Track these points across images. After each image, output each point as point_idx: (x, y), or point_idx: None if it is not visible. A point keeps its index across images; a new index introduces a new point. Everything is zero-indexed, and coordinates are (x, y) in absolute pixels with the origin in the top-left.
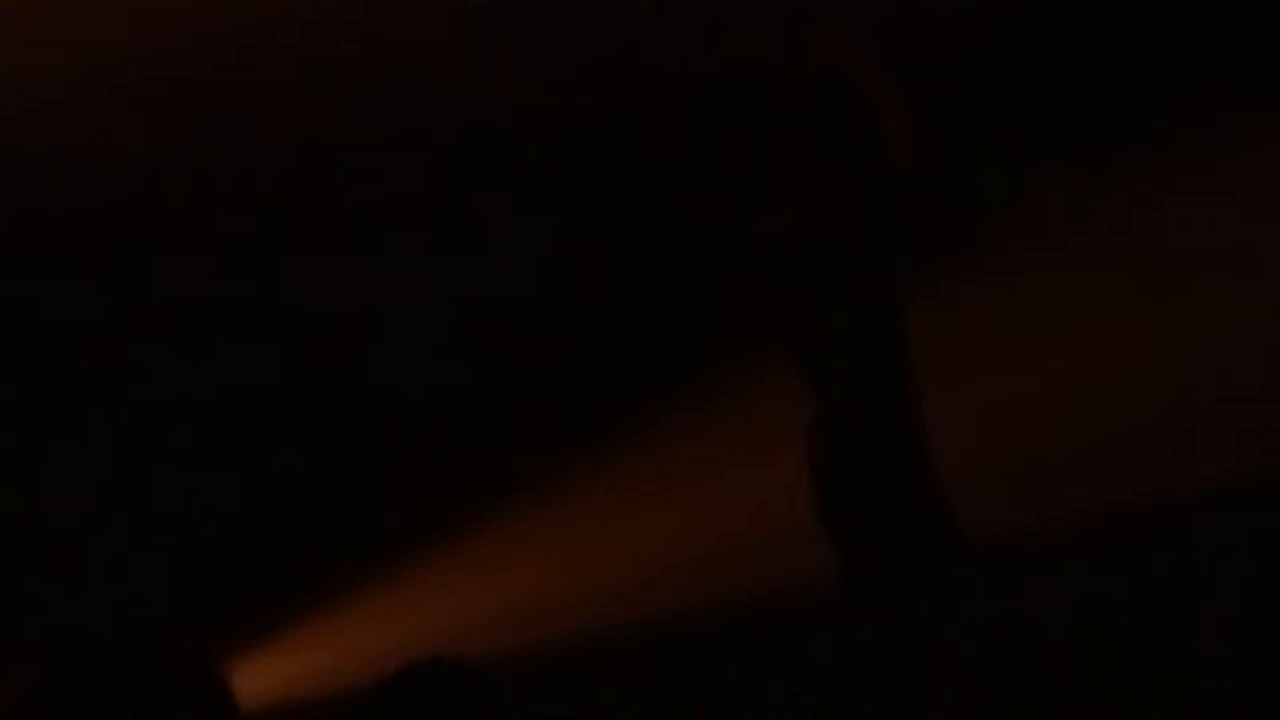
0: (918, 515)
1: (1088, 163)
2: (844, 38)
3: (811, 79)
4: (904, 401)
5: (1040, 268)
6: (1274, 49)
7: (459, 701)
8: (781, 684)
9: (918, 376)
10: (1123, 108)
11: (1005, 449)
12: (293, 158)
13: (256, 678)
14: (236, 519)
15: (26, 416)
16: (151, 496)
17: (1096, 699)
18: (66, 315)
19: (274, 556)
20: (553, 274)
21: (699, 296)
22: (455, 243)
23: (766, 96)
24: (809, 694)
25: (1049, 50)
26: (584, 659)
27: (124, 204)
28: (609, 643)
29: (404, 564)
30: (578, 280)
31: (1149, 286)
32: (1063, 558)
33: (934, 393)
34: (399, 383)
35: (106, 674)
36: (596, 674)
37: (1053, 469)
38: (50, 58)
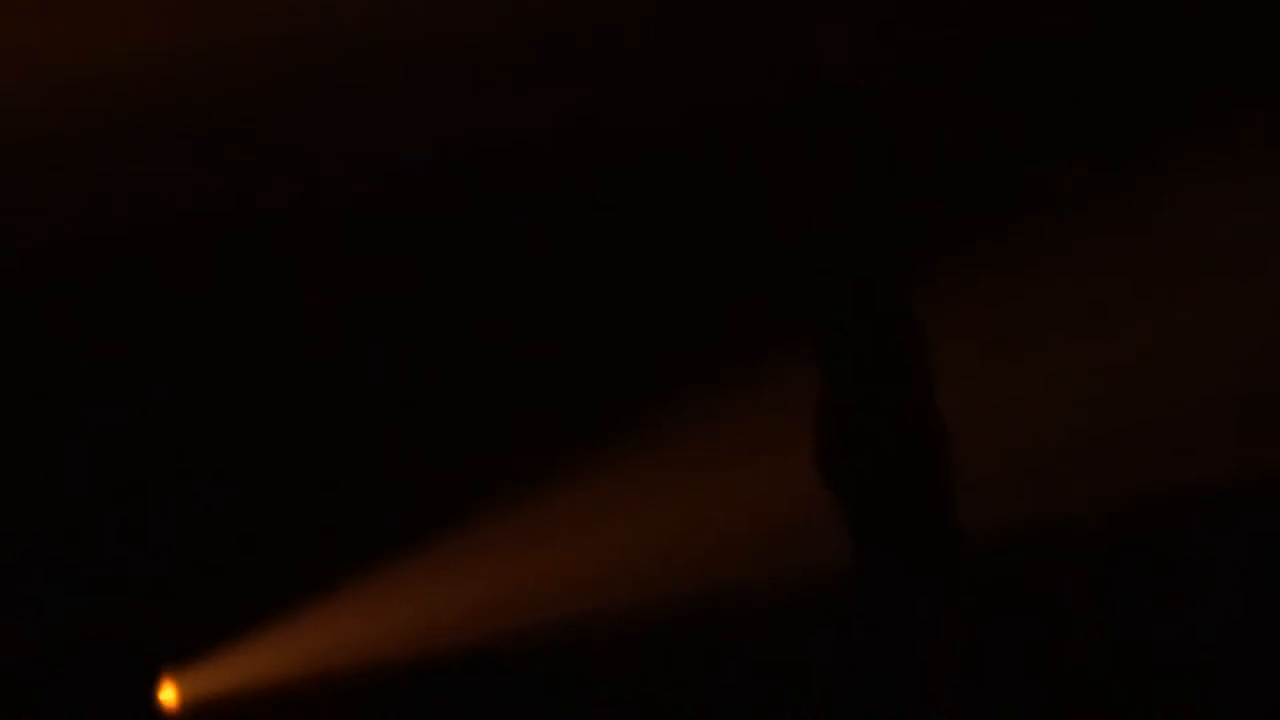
0: (919, 515)
1: (1089, 163)
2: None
3: (815, 86)
4: (909, 402)
5: (1041, 268)
6: (1274, 49)
7: (485, 697)
8: (779, 678)
9: (930, 378)
10: (1124, 108)
11: (1006, 447)
12: (294, 165)
13: (260, 665)
14: (238, 515)
15: (27, 417)
16: (153, 494)
17: (1097, 699)
18: (69, 317)
19: (279, 548)
20: (556, 275)
21: (702, 297)
22: (459, 244)
23: (769, 102)
24: (807, 688)
25: (1049, 51)
26: (583, 648)
27: (125, 209)
28: (609, 632)
29: (403, 557)
30: (582, 281)
31: (1150, 286)
32: (1063, 556)
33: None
34: (397, 381)
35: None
36: (595, 664)
37: (1054, 468)
38: (57, 81)
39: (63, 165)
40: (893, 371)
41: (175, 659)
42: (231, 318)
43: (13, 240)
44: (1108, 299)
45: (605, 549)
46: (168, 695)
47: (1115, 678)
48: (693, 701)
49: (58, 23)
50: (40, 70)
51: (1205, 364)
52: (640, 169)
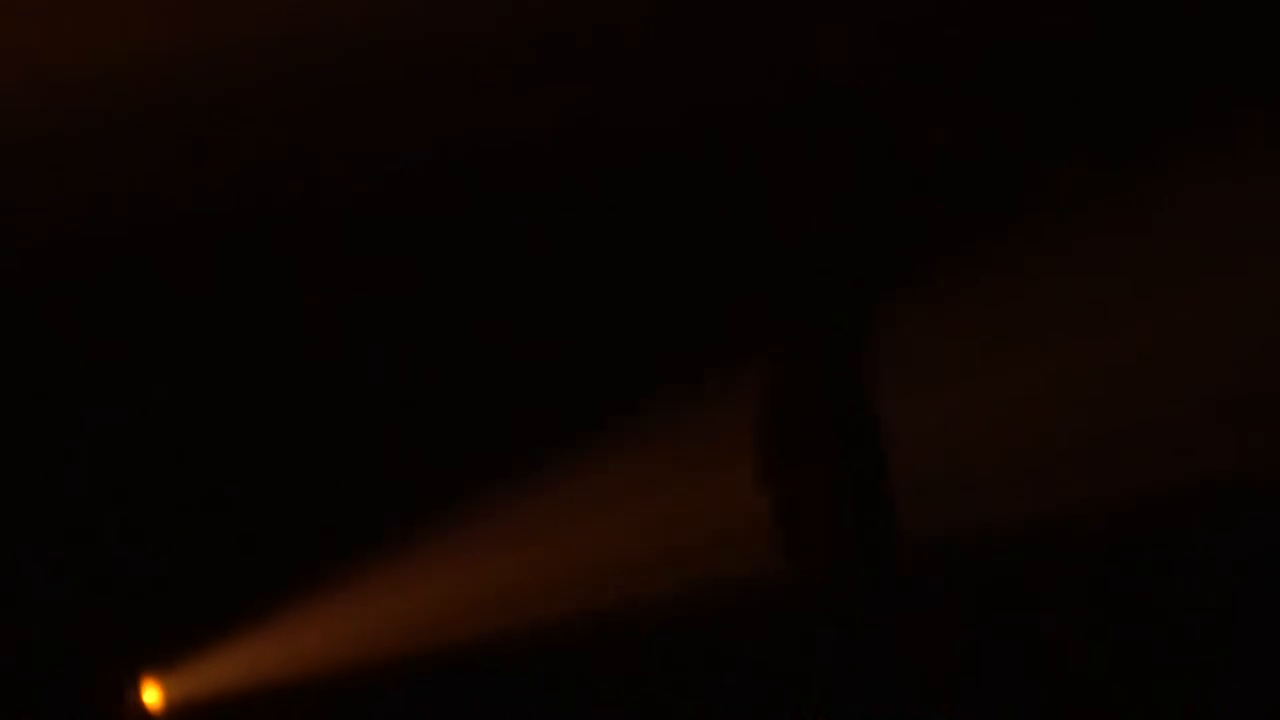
0: (860, 515)
1: (1089, 163)
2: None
3: (815, 86)
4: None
5: (1041, 267)
6: (1274, 49)
7: (470, 695)
8: (772, 676)
9: (883, 388)
10: (1124, 108)
11: (1006, 447)
12: (294, 165)
13: (248, 665)
14: (236, 515)
15: (27, 417)
16: (152, 494)
17: (1097, 699)
18: (69, 317)
19: (272, 548)
20: (556, 275)
21: (702, 297)
22: (459, 244)
23: (769, 102)
24: (800, 685)
25: (1049, 51)
26: (577, 646)
27: (125, 209)
28: (604, 630)
29: (393, 556)
30: (582, 281)
31: (1150, 286)
32: (1063, 556)
33: (935, 390)
34: (397, 381)
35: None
36: (589, 662)
37: (1054, 467)
38: (57, 81)
39: (63, 165)
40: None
41: (161, 659)
42: (231, 318)
43: (13, 240)
44: (1108, 299)
45: (600, 547)
46: (151, 696)
47: (1115, 677)
48: (688, 700)
49: (58, 23)
50: (40, 70)
51: (1205, 364)
52: (640, 169)
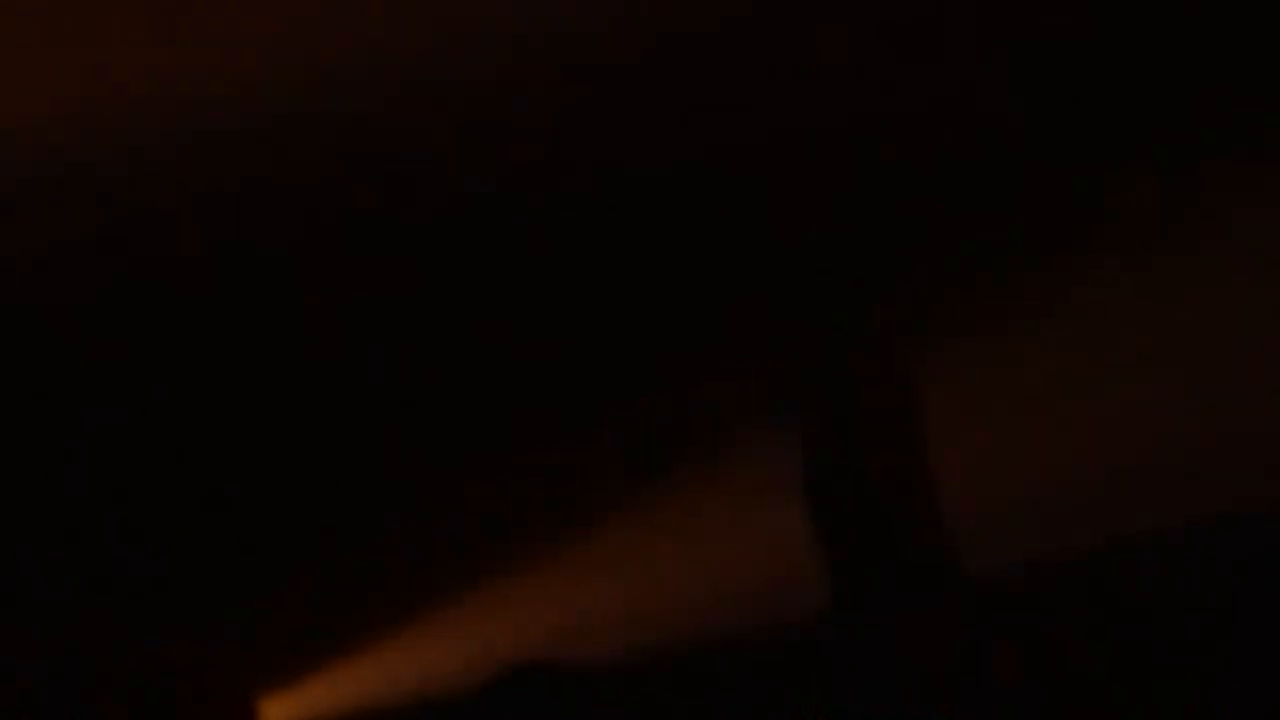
0: (906, 544)
1: (1095, 165)
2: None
3: (818, 86)
4: (900, 426)
5: (1042, 269)
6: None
7: (558, 703)
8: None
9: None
10: (1125, 108)
11: (1005, 445)
12: (296, 165)
13: (326, 691)
14: (237, 519)
15: (33, 418)
16: (151, 496)
17: (1097, 699)
18: (69, 317)
19: (268, 551)
20: (556, 274)
21: (704, 297)
22: (459, 243)
23: (768, 102)
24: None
25: (1049, 50)
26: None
27: (125, 209)
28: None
29: (388, 562)
30: (583, 281)
31: (1153, 289)
32: (1063, 556)
33: (932, 390)
34: (397, 381)
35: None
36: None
37: (1054, 465)
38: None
39: (63, 165)
40: (890, 400)
41: (263, 684)
42: (231, 318)
43: (13, 240)
44: (1108, 299)
45: (594, 546)
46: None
47: (1115, 677)
48: (688, 699)
49: (59, 29)
50: (42, 75)
51: (1205, 363)
52: (640, 169)
